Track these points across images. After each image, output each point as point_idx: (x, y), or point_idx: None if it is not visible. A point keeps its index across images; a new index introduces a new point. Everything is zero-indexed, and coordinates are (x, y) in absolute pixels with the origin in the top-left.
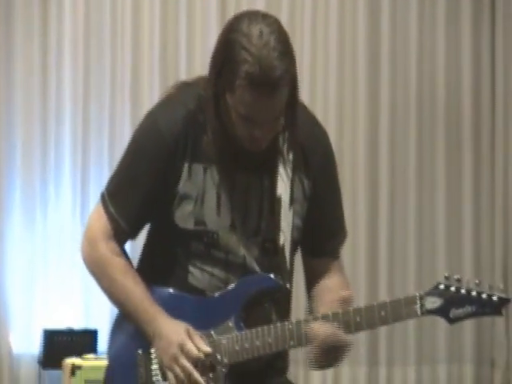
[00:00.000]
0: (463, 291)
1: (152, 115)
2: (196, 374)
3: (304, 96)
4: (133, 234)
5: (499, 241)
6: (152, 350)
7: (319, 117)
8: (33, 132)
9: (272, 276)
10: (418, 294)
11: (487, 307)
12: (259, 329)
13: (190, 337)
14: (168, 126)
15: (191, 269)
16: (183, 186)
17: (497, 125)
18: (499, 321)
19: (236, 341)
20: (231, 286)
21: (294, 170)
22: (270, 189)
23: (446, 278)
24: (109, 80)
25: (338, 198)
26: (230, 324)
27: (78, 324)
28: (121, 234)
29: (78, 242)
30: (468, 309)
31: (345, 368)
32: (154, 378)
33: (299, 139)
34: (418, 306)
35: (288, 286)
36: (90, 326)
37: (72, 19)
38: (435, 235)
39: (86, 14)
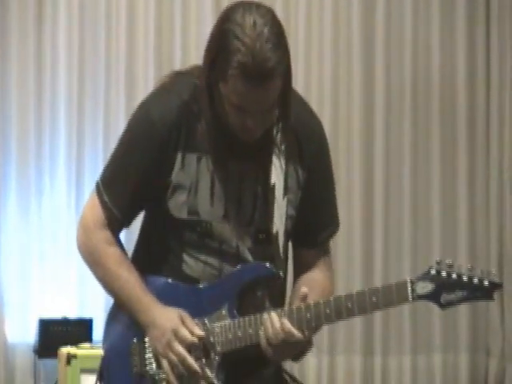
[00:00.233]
0: (454, 276)
1: (145, 105)
2: (190, 359)
3: (298, 87)
4: (126, 223)
5: (494, 229)
6: (146, 339)
7: (314, 107)
8: (28, 123)
9: (266, 264)
10: (409, 279)
11: (478, 292)
12: (252, 317)
13: (183, 322)
14: (161, 115)
15: (185, 258)
16: (176, 176)
17: (491, 114)
18: (494, 309)
19: (229, 329)
20: (225, 274)
21: (288, 159)
22: (264, 178)
23: (438, 263)
24: (103, 71)
25: (331, 188)
26: (224, 312)
27: (73, 313)
28: (114, 222)
29: (73, 232)
30: (459, 294)
31: (340, 357)
32: (148, 367)
33: (293, 129)
34: (409, 291)
35: (281, 274)
36: (85, 315)
37: (67, 11)
38: (430, 224)
39: (81, 6)
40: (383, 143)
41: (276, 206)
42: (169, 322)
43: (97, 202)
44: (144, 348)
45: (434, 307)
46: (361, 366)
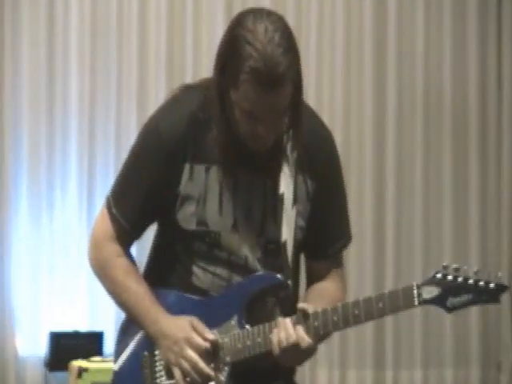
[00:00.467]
0: (460, 279)
1: (154, 117)
2: (202, 363)
3: (310, 97)
4: (136, 235)
5: (505, 231)
6: (156, 352)
7: (325, 117)
8: (39, 137)
9: (273, 273)
10: (415, 284)
11: (484, 295)
12: (260, 326)
13: (194, 329)
14: (169, 127)
15: (194, 269)
16: (185, 187)
17: (503, 124)
18: (506, 324)
19: (238, 339)
20: (233, 284)
21: (298, 169)
22: (273, 188)
23: (444, 268)
24: (115, 84)
25: (343, 201)
26: (233, 322)
27: (84, 326)
28: (123, 234)
29: (84, 246)
30: (465, 297)
31: (351, 371)
32: (158, 380)
33: (304, 140)
34: (416, 295)
35: (290, 283)
36: (96, 328)
37: (78, 20)
38: (441, 231)
39: (93, 14)
40: (395, 153)
41: (285, 215)
42: (180, 331)
43: (106, 214)
44: (154, 361)
45: (445, 321)
46: (372, 381)
